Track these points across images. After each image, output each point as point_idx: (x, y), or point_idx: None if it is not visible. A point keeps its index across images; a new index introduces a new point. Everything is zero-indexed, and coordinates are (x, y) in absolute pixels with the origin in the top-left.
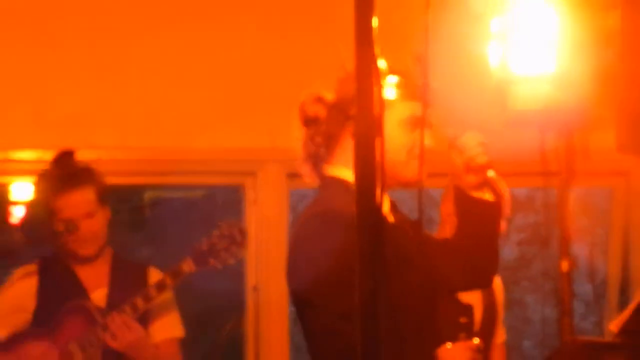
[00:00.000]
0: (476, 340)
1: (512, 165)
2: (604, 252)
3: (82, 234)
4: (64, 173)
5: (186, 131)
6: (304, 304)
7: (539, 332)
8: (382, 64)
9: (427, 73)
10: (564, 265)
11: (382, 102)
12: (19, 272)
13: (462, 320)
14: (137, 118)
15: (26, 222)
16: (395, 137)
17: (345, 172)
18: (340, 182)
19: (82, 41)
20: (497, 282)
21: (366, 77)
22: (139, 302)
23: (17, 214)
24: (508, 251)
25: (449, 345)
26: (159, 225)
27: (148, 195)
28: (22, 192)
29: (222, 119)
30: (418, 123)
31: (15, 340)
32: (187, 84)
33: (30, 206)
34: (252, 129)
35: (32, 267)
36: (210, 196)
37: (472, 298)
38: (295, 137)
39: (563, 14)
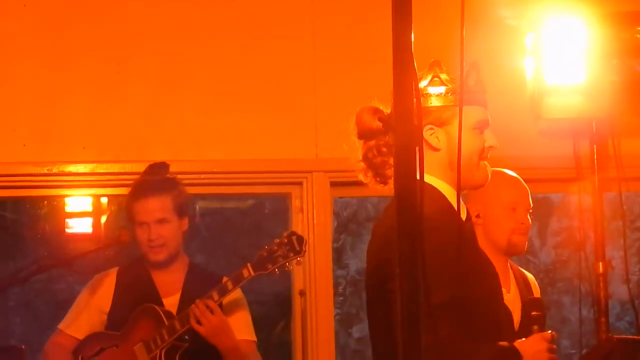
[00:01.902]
0: (550, 332)
1: (547, 171)
2: (637, 254)
3: (153, 240)
4: (148, 180)
5: (235, 144)
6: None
7: (576, 332)
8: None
9: (462, 83)
10: (600, 267)
11: (421, 113)
12: (99, 276)
13: (534, 313)
14: (189, 132)
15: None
16: (468, 141)
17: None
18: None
19: (137, 58)
20: (535, 284)
21: (404, 89)
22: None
23: (72, 225)
24: (544, 254)
25: (524, 338)
26: (211, 234)
27: (200, 205)
28: (77, 204)
29: (270, 132)
30: (485, 126)
31: (91, 341)
32: (237, 98)
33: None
34: (298, 141)
35: (112, 272)
36: (258, 205)
37: (512, 298)
38: (351, 149)
39: (593, 27)
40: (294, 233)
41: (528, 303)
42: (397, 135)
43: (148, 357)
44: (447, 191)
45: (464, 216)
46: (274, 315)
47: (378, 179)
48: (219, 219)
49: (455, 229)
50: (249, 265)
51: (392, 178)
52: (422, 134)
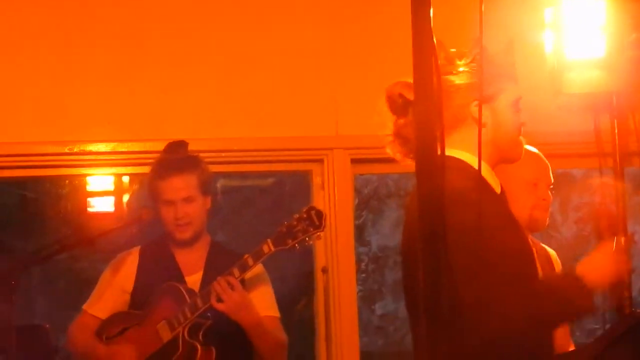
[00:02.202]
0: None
1: (568, 147)
2: None
3: (180, 218)
4: (171, 158)
5: (256, 121)
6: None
7: (599, 307)
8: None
9: (483, 59)
10: (622, 242)
11: (440, 88)
12: (121, 255)
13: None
14: (209, 110)
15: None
16: (510, 118)
17: (459, 153)
18: (458, 162)
19: (157, 36)
20: (556, 259)
21: (424, 64)
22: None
23: (94, 204)
24: (566, 229)
25: None
26: (232, 212)
27: (221, 184)
28: (99, 183)
29: (290, 109)
30: (519, 103)
31: (114, 320)
32: (257, 75)
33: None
34: (318, 118)
35: (134, 251)
36: (279, 183)
37: None
38: (380, 124)
39: (612, 0)
40: (313, 208)
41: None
42: (418, 111)
43: (171, 335)
44: (484, 167)
45: (498, 190)
46: (297, 293)
47: (412, 155)
48: (239, 197)
49: (493, 204)
50: (269, 240)
51: None
52: (442, 110)
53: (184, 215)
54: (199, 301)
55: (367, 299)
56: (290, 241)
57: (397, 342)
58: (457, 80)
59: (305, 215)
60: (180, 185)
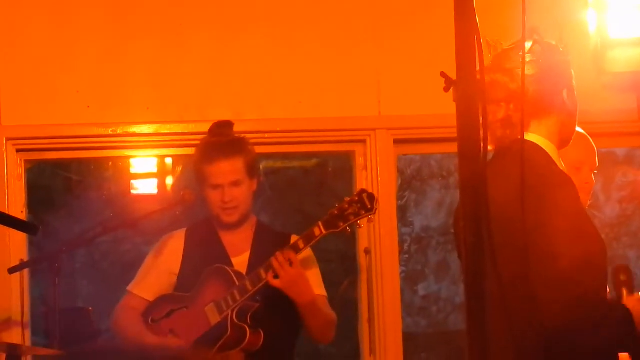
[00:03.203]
0: None
1: (611, 126)
2: None
3: (227, 202)
4: (217, 142)
5: (298, 102)
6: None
7: None
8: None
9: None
10: None
11: (483, 68)
12: (167, 237)
13: (622, 277)
14: (252, 91)
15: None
16: (574, 102)
17: (540, 139)
18: (538, 148)
19: (199, 17)
20: None
21: (466, 43)
22: (273, 261)
23: (137, 186)
24: (609, 209)
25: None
26: (275, 193)
27: (264, 165)
28: (142, 165)
29: (333, 90)
30: None
31: (160, 303)
32: (299, 56)
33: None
34: (361, 99)
35: (180, 233)
36: (322, 164)
37: None
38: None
39: None
40: (364, 191)
41: (616, 269)
42: (459, 90)
43: (219, 317)
44: (552, 150)
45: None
46: (340, 274)
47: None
48: (283, 178)
49: (572, 186)
50: (320, 223)
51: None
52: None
53: (231, 199)
54: (248, 284)
55: (409, 280)
56: (341, 224)
57: (440, 323)
58: (531, 70)
59: (357, 198)
60: (228, 169)
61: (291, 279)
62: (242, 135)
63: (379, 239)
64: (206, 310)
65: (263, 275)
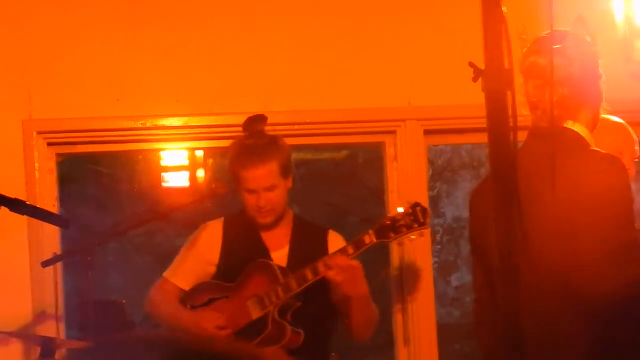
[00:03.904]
0: None
1: (638, 115)
2: None
3: (262, 207)
4: (252, 145)
5: (328, 94)
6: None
7: None
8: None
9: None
10: None
11: (511, 56)
12: (204, 226)
13: None
14: (281, 82)
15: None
16: (600, 89)
17: (581, 128)
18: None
19: (228, 9)
20: None
21: (494, 32)
22: (320, 266)
23: (168, 179)
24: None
25: None
26: (306, 185)
27: (294, 157)
28: (172, 158)
29: (362, 80)
30: None
31: (199, 290)
32: (329, 47)
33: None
34: (390, 90)
35: (217, 223)
36: (352, 155)
37: None
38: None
39: None
40: (418, 204)
41: None
42: (488, 79)
43: (261, 312)
44: (588, 137)
45: None
46: (373, 265)
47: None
48: (313, 169)
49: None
50: (370, 231)
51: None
52: (513, 77)
53: (266, 204)
54: (293, 282)
55: (442, 270)
56: (392, 235)
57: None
58: (577, 59)
59: (410, 211)
60: (263, 175)
61: (351, 274)
62: (277, 133)
63: None
64: (248, 304)
65: (309, 276)
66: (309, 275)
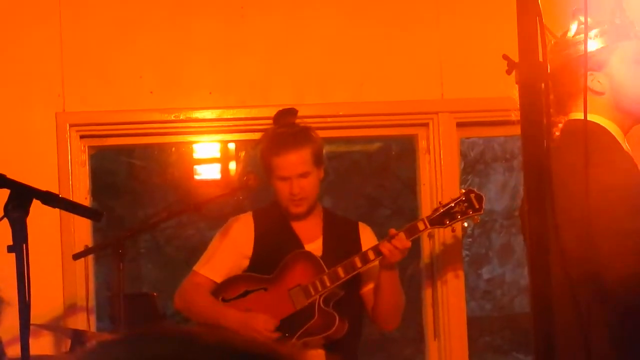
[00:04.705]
0: None
1: None
2: None
3: (296, 194)
4: (284, 132)
5: (360, 86)
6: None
7: None
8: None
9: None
10: None
11: (545, 49)
12: (234, 219)
13: None
14: (314, 75)
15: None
16: (627, 76)
17: (598, 118)
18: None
19: (259, 4)
20: None
21: (528, 25)
22: (370, 254)
23: (201, 171)
24: None
25: None
26: (338, 177)
27: (326, 149)
28: (205, 150)
29: (395, 73)
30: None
31: (233, 283)
32: (361, 39)
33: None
34: (423, 82)
35: (248, 216)
36: (385, 147)
37: None
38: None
39: None
40: (472, 191)
41: None
42: (522, 72)
43: (306, 301)
44: (616, 131)
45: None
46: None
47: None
48: (346, 162)
49: (631, 163)
50: (424, 218)
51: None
52: (548, 71)
53: (299, 191)
54: (340, 271)
55: (473, 263)
56: (447, 221)
57: (504, 306)
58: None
59: (464, 198)
60: (295, 162)
61: (402, 249)
62: (308, 124)
63: None
64: (291, 294)
65: (358, 264)
66: (358, 263)
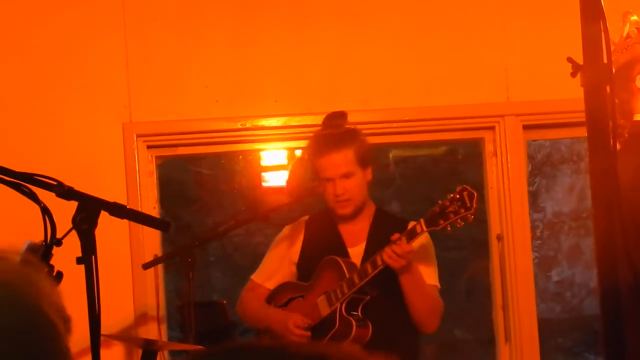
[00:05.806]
0: None
1: None
2: None
3: (340, 195)
4: (328, 134)
5: (426, 90)
6: None
7: None
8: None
9: None
10: None
11: (610, 51)
12: (288, 227)
13: None
14: (379, 80)
15: (290, 182)
16: None
17: None
18: None
19: (325, 8)
20: None
21: (592, 27)
22: (379, 259)
23: (268, 179)
24: None
25: None
26: (405, 181)
27: (393, 154)
28: (272, 158)
29: (460, 76)
30: None
31: (282, 290)
32: (426, 44)
33: (296, 166)
34: (489, 85)
35: (300, 222)
36: (451, 151)
37: None
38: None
39: None
40: (465, 189)
41: None
42: (587, 74)
43: (329, 309)
44: None
45: None
46: (473, 260)
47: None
48: (412, 166)
49: None
50: (421, 220)
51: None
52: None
53: (343, 192)
54: (355, 277)
55: (543, 265)
56: (442, 222)
57: (574, 308)
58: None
59: (457, 196)
60: (338, 162)
61: (403, 255)
62: (354, 126)
63: (511, 225)
64: (318, 302)
65: (369, 269)
66: (369, 268)
